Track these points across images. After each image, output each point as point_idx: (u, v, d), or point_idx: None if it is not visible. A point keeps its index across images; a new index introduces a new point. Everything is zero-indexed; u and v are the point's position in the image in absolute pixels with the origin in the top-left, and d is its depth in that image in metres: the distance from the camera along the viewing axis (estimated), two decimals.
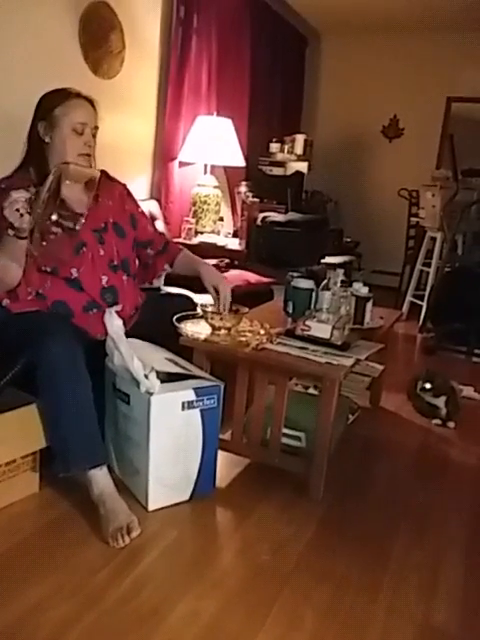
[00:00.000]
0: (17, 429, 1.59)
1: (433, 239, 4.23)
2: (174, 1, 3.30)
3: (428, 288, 4.14)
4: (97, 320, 1.71)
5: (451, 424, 2.43)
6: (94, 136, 1.76)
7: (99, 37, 2.82)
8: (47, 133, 1.70)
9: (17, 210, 1.40)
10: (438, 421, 2.46)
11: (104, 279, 1.78)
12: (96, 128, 1.76)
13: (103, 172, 1.86)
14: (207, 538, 1.60)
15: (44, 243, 1.53)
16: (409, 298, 4.40)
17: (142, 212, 2.03)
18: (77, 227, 1.57)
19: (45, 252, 1.60)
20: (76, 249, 1.73)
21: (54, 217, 1.49)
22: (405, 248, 4.82)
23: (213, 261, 2.98)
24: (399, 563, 1.54)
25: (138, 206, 2.02)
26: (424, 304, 4.11)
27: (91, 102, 1.75)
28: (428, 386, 2.45)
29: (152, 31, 3.26)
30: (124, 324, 1.63)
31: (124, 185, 1.98)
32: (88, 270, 1.75)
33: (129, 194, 1.99)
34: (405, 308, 4.34)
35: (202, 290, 2.00)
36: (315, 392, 2.09)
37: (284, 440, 1.87)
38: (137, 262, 1.98)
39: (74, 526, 1.56)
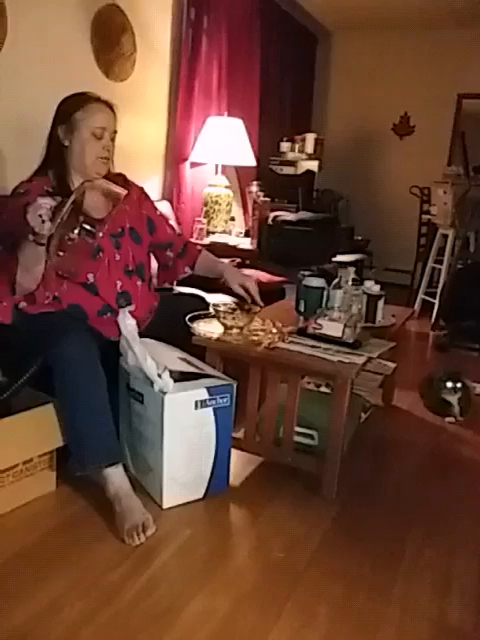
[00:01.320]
0: (34, 428, 1.62)
1: (445, 236, 4.21)
2: (184, 3, 3.31)
3: (440, 285, 4.12)
4: (111, 323, 1.73)
5: (460, 418, 2.43)
6: (113, 140, 1.77)
7: (111, 40, 2.84)
8: (67, 137, 1.72)
9: (40, 216, 1.40)
10: (451, 419, 2.45)
11: (119, 284, 1.80)
12: (115, 132, 1.77)
13: (120, 175, 1.88)
14: (221, 536, 1.61)
15: (60, 253, 1.54)
16: (421, 296, 4.38)
17: (160, 214, 2.04)
18: (95, 242, 1.58)
19: (61, 262, 1.62)
20: (93, 254, 1.75)
21: (75, 231, 1.51)
22: (417, 246, 4.80)
23: (225, 261, 2.99)
24: (412, 561, 1.54)
25: (156, 208, 2.03)
26: (436, 301, 4.09)
27: (111, 107, 1.76)
28: (449, 385, 2.45)
29: (163, 33, 3.27)
30: (137, 326, 1.65)
31: (141, 188, 2.00)
32: (104, 275, 1.77)
33: (146, 197, 2.00)
34: (417, 306, 4.32)
35: (214, 290, 2.02)
36: (327, 390, 2.10)
37: (297, 438, 1.87)
38: (157, 264, 2.00)
39: (90, 524, 1.58)
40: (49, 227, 1.42)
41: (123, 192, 1.58)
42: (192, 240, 3.29)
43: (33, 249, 1.50)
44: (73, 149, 1.72)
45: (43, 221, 1.41)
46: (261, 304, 1.97)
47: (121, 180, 1.85)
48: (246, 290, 1.99)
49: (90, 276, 1.74)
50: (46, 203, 1.42)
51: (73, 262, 1.65)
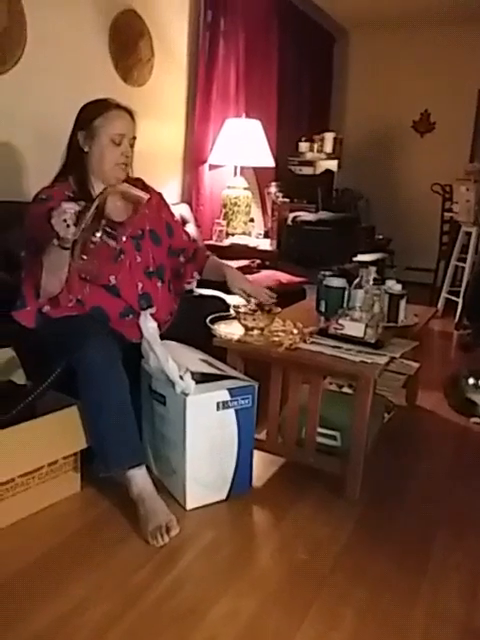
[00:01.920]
0: (59, 430, 1.63)
1: (468, 234, 4.15)
2: (201, 6, 3.33)
3: (464, 284, 4.06)
4: (133, 325, 1.74)
5: None
6: (132, 146, 1.79)
7: (128, 46, 2.87)
8: (86, 143, 1.74)
9: (64, 220, 1.43)
10: (476, 419, 2.41)
11: (140, 285, 1.81)
12: (134, 138, 1.79)
13: (139, 180, 1.90)
14: (244, 537, 1.61)
15: (84, 257, 1.56)
16: (444, 294, 4.32)
17: (177, 220, 2.08)
18: (118, 246, 1.60)
19: (84, 265, 1.63)
20: (115, 257, 1.76)
21: (98, 234, 1.53)
22: (439, 244, 4.74)
23: (245, 262, 3.00)
24: (439, 564, 1.52)
25: (173, 215, 2.06)
26: (460, 300, 4.03)
27: (130, 113, 1.78)
28: (474, 384, 2.41)
29: (180, 37, 3.29)
30: (158, 328, 1.66)
31: (160, 194, 2.02)
32: (125, 277, 1.78)
33: (165, 203, 2.02)
34: (440, 305, 4.26)
35: (233, 292, 2.02)
36: (350, 391, 2.08)
37: (319, 439, 1.86)
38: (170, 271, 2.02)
39: (114, 525, 1.59)
40: (73, 231, 1.45)
41: (146, 197, 1.60)
42: (211, 242, 3.33)
43: (58, 253, 1.52)
44: (92, 155, 1.75)
45: (68, 226, 1.43)
46: (265, 302, 1.99)
47: (140, 185, 1.86)
48: (247, 294, 2.00)
49: (112, 278, 1.76)
50: (70, 208, 1.44)
51: (96, 265, 1.67)
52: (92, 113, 1.73)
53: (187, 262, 2.06)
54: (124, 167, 1.78)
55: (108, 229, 1.54)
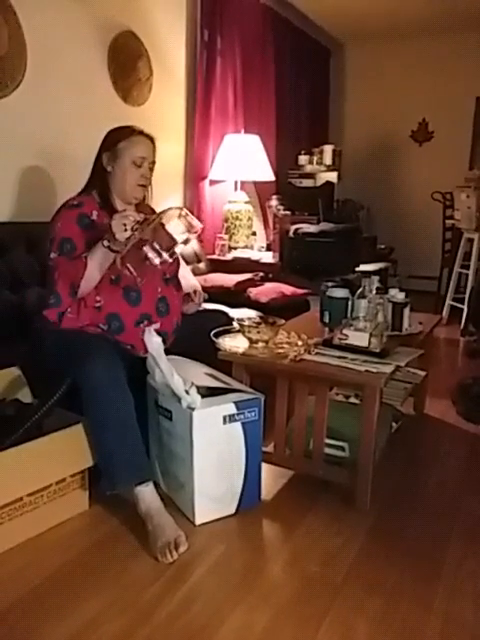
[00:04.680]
0: (66, 448, 1.64)
1: (470, 240, 4.15)
2: (198, 25, 3.38)
3: (468, 290, 4.06)
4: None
5: None
6: (151, 169, 1.89)
7: (127, 66, 2.91)
8: (110, 163, 1.84)
9: (124, 224, 1.57)
10: None
11: (159, 290, 1.87)
12: (153, 163, 1.90)
13: (147, 206, 1.98)
14: (255, 551, 1.60)
15: (128, 266, 1.62)
16: (449, 302, 4.32)
17: None
18: (160, 264, 1.63)
19: (130, 260, 1.67)
20: (149, 262, 1.80)
21: (145, 248, 1.59)
22: (442, 251, 4.74)
23: (248, 275, 3.01)
24: (452, 572, 1.50)
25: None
26: (465, 307, 4.03)
27: (151, 140, 1.89)
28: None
29: (178, 56, 3.34)
30: (167, 339, 1.67)
31: None
32: (148, 280, 1.81)
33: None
34: (445, 312, 4.26)
35: (238, 305, 2.03)
36: (356, 401, 2.08)
37: (327, 450, 1.86)
38: None
39: (124, 542, 1.59)
40: (128, 236, 1.58)
41: (200, 226, 1.67)
42: (214, 257, 3.36)
43: (105, 254, 1.65)
44: (115, 174, 1.85)
45: (125, 230, 1.57)
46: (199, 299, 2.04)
47: (148, 210, 1.95)
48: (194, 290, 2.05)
49: (139, 280, 1.79)
50: (133, 216, 1.61)
51: (134, 276, 1.70)
52: (118, 136, 1.85)
53: None
54: (143, 188, 1.88)
55: (156, 246, 1.60)
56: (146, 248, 1.59)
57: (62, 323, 1.74)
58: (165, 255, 1.62)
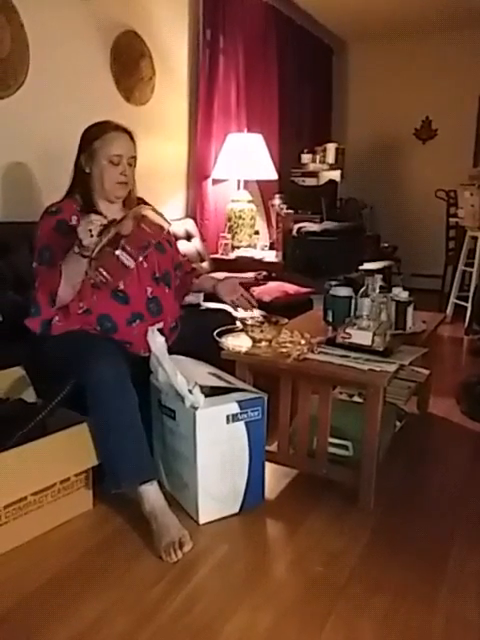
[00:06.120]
0: (70, 448, 1.64)
1: (474, 238, 4.14)
2: (200, 24, 3.38)
3: (472, 289, 4.04)
4: (140, 333, 1.76)
5: None
6: (131, 165, 1.84)
7: (130, 66, 2.91)
8: (88, 164, 1.81)
9: (89, 230, 1.52)
10: None
11: (149, 290, 1.85)
12: (133, 158, 1.85)
13: (141, 200, 1.96)
14: (259, 550, 1.60)
15: (101, 270, 1.59)
16: (453, 300, 4.30)
17: (174, 241, 2.15)
18: (133, 266, 1.63)
19: (98, 278, 1.65)
20: (123, 264, 1.79)
21: (117, 252, 1.58)
22: (446, 249, 4.73)
23: (251, 274, 3.01)
24: (456, 571, 1.50)
25: (170, 233, 2.09)
26: (469, 305, 4.01)
27: (129, 134, 1.84)
28: None
29: (180, 55, 3.34)
30: (166, 338, 1.67)
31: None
32: (134, 282, 1.80)
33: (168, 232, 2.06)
34: (449, 310, 4.25)
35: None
36: (360, 400, 2.07)
37: (331, 450, 1.85)
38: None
39: (127, 542, 1.59)
40: (95, 241, 1.54)
41: (167, 226, 1.66)
42: (217, 256, 3.36)
43: (77, 261, 1.59)
44: (94, 175, 1.82)
45: (91, 235, 1.53)
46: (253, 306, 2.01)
47: (135, 205, 1.91)
48: (235, 304, 2.00)
49: (121, 283, 1.78)
50: (98, 220, 1.54)
51: (110, 281, 1.69)
52: (92, 135, 1.81)
53: (185, 275, 2.10)
54: (124, 186, 1.84)
55: (127, 248, 1.58)
56: (118, 251, 1.57)
57: (51, 330, 1.73)
58: (139, 256, 1.61)
